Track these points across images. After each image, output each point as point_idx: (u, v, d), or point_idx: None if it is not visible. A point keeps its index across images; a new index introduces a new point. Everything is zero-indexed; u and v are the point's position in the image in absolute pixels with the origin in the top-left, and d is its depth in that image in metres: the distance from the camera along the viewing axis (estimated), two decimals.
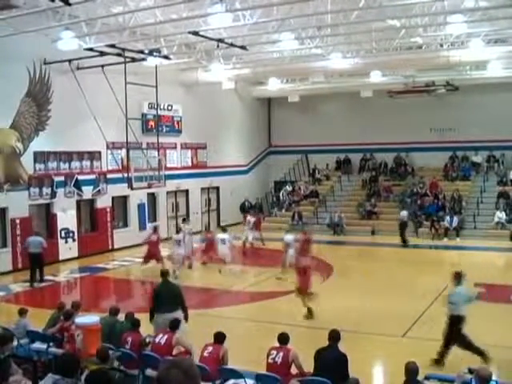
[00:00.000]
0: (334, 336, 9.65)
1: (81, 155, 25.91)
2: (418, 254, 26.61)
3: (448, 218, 29.30)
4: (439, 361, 11.63)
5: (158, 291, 12.94)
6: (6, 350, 9.13)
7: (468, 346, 11.62)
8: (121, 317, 12.20)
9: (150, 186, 25.73)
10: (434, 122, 34.49)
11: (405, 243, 27.67)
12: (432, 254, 26.33)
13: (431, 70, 30.63)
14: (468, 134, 33.22)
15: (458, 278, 12.11)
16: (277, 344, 9.86)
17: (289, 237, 21.09)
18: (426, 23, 21.43)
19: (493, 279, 20.14)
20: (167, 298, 12.62)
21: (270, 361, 9.57)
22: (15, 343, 10.65)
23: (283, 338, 9.86)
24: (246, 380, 9.46)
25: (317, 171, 37.65)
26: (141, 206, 28.93)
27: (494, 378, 7.87)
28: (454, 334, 11.71)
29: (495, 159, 33.73)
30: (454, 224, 29.06)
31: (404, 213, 28.66)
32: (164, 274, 13.52)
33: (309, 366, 9.61)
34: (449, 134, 34.48)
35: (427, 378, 9.16)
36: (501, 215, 29.03)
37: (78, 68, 24.51)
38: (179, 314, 12.41)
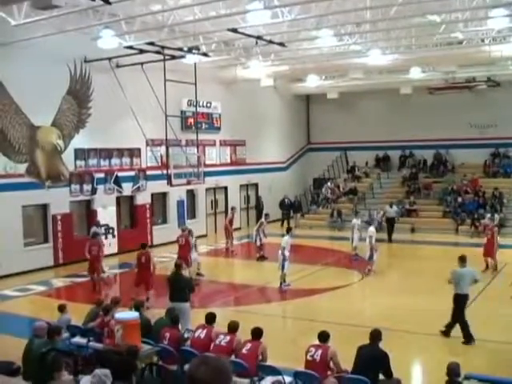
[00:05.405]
0: (375, 335, 9.71)
1: (120, 152, 26.20)
2: (457, 252, 26.17)
3: (489, 215, 28.87)
4: (447, 332, 13.52)
5: (168, 280, 14.43)
6: (57, 341, 9.47)
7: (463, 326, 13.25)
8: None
9: (189, 183, 25.86)
10: (475, 119, 34.06)
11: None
12: (472, 252, 25.89)
13: (472, 65, 30.12)
14: (509, 130, 32.72)
15: (462, 261, 14.11)
16: (316, 342, 9.86)
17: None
18: (466, 18, 21.11)
19: None
20: (174, 289, 14.03)
21: (308, 358, 9.56)
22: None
23: (323, 336, 9.82)
24: (284, 377, 9.46)
25: (356, 168, 37.46)
26: (180, 203, 29.11)
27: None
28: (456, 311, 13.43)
29: None
30: (495, 222, 28.63)
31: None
32: (176, 265, 14.88)
33: (348, 364, 9.60)
34: (489, 131, 34.02)
35: (467, 377, 9.08)
36: None
37: (118, 66, 24.79)
38: (183, 305, 13.58)
